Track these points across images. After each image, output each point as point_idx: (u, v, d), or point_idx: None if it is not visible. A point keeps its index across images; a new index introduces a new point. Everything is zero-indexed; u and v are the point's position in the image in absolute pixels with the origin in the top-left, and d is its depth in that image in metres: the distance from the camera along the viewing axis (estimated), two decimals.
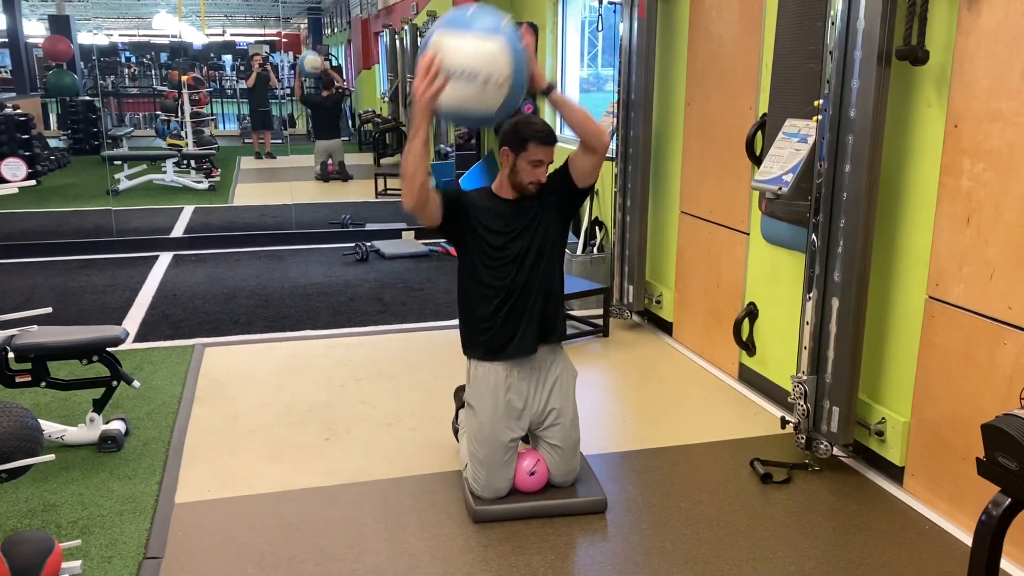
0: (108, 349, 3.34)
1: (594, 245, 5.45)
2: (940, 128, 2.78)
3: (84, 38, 11.60)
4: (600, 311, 4.83)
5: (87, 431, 3.31)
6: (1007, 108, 2.51)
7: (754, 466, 3.17)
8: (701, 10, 4.20)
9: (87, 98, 11.08)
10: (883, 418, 3.08)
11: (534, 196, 2.83)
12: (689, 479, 3.14)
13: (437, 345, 4.59)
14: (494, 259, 2.82)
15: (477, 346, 2.88)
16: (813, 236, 3.06)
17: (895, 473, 3.07)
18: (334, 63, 12.35)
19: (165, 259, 6.61)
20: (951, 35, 2.70)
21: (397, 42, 10.37)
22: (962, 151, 2.69)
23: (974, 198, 2.65)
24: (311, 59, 10.82)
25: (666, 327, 4.78)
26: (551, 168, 2.85)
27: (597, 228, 5.51)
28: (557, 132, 7.00)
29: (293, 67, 12.68)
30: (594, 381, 4.16)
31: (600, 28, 5.36)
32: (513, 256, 2.81)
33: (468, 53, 2.47)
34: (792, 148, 3.22)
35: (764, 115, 3.63)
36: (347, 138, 11.33)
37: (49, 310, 2.75)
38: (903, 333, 3.02)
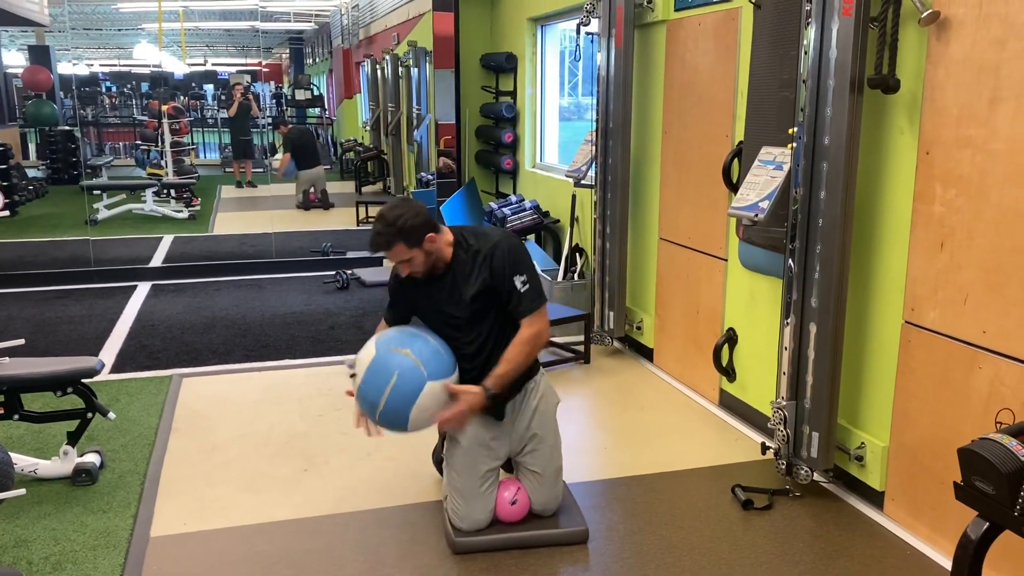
0: (83, 380, 3.30)
1: (575, 272, 5.47)
2: (912, 155, 2.82)
3: (64, 68, 11.56)
4: (581, 337, 4.83)
5: (61, 464, 3.26)
6: (977, 135, 2.55)
7: (735, 493, 3.16)
8: (677, 40, 4.26)
9: (66, 128, 11.03)
10: (862, 443, 3.09)
11: (451, 273, 2.79)
12: (671, 506, 3.12)
13: None
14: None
15: None
16: (790, 262, 3.08)
17: (875, 498, 3.08)
18: (316, 92, 12.40)
19: (143, 289, 6.56)
20: (921, 64, 2.75)
21: (378, 72, 10.43)
22: (934, 177, 2.72)
23: (947, 224, 2.69)
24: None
25: (647, 353, 4.78)
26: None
27: (578, 255, 5.53)
28: (537, 159, 7.02)
29: (276, 97, 12.71)
30: (575, 408, 4.15)
31: (578, 58, 5.42)
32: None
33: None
34: (768, 175, 3.26)
35: (740, 143, 3.67)
36: (328, 167, 11.33)
37: (22, 342, 2.72)
38: (880, 358, 3.04)
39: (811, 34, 2.91)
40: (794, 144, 3.03)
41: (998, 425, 2.02)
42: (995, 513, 1.88)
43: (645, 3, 4.42)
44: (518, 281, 2.73)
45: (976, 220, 2.58)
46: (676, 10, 4.25)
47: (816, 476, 3.16)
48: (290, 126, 10.63)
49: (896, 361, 2.94)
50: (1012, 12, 2.41)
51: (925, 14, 2.63)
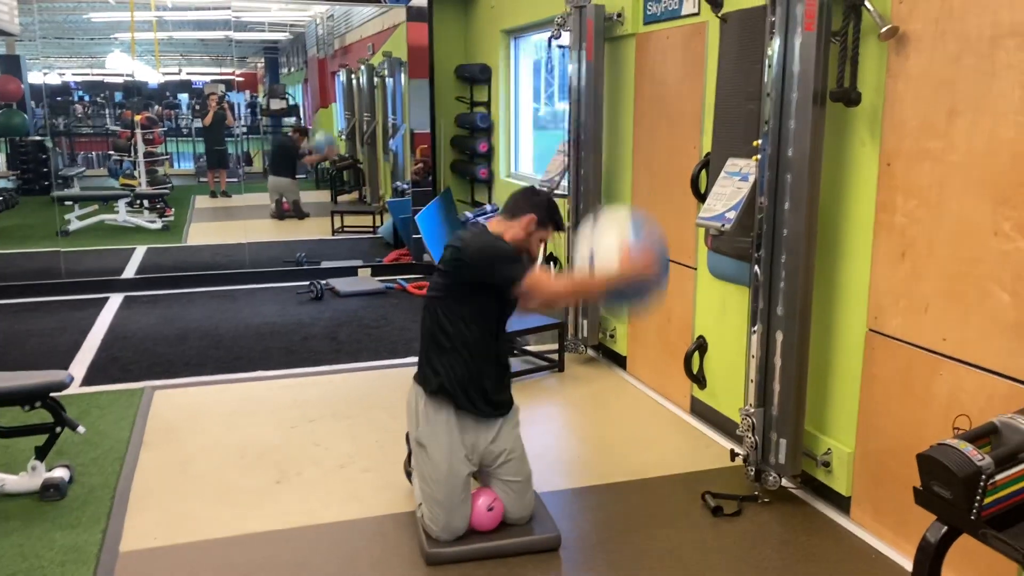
0: (51, 394, 3.28)
1: None
2: (874, 167, 2.88)
3: (35, 77, 11.45)
4: (555, 346, 4.86)
5: (29, 479, 3.23)
6: (935, 147, 2.61)
7: (705, 499, 3.20)
8: (646, 53, 4.31)
9: (37, 138, 10.92)
10: (829, 449, 3.14)
11: None
12: (642, 513, 3.15)
13: (393, 384, 4.57)
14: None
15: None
16: (756, 271, 3.13)
17: (842, 503, 3.13)
18: (291, 102, 12.37)
19: (116, 300, 6.51)
20: (882, 78, 2.81)
21: (354, 81, 10.43)
22: (895, 188, 2.78)
23: (908, 234, 2.74)
24: (332, 147, 10.90)
25: (620, 361, 4.82)
26: None
27: (551, 263, 5.56)
28: (512, 168, 7.04)
29: (251, 106, 12.66)
30: (549, 416, 4.17)
31: (550, 69, 5.47)
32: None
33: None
34: (734, 186, 3.31)
35: (708, 154, 3.72)
36: (304, 175, 11.30)
37: None
38: (846, 365, 3.09)
39: (775, 48, 2.97)
40: (759, 156, 3.09)
41: (956, 431, 2.06)
42: (953, 517, 1.92)
43: (615, 17, 4.47)
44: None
45: (936, 230, 2.64)
46: (645, 24, 4.31)
47: (784, 482, 3.20)
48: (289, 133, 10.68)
49: (861, 368, 3.00)
50: (968, 28, 2.47)
51: (884, 29, 2.69)
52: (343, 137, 11.43)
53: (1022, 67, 2.32)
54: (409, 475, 3.28)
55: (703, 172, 3.74)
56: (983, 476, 1.81)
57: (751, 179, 3.22)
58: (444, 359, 2.83)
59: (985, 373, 2.49)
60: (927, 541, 1.98)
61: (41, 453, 3.26)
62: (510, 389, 2.99)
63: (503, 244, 2.84)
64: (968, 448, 1.89)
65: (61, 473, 3.28)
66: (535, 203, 2.95)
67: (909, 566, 2.74)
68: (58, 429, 3.28)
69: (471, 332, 2.82)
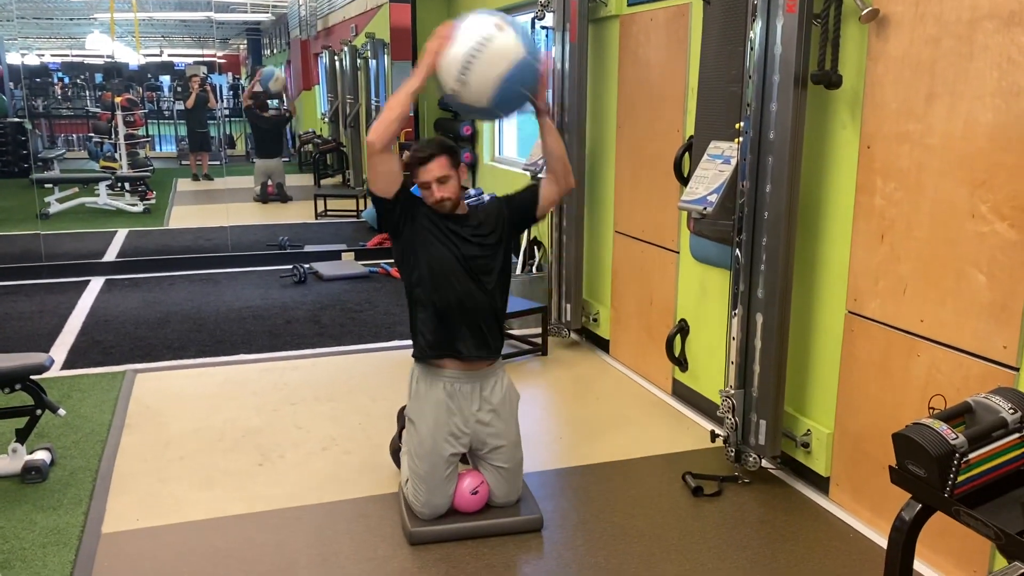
0: (32, 377, 3.26)
1: (532, 265, 5.51)
2: (854, 149, 2.89)
3: (13, 58, 11.30)
4: (539, 330, 4.88)
5: (10, 462, 3.22)
6: (914, 130, 2.63)
7: (686, 480, 3.23)
8: (630, 35, 4.31)
9: (16, 120, 10.78)
10: (808, 430, 3.18)
11: (477, 215, 2.91)
12: (623, 494, 3.18)
13: (376, 367, 4.57)
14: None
15: (419, 346, 2.90)
16: (737, 253, 3.14)
17: (821, 483, 3.16)
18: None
19: (97, 284, 6.46)
20: (862, 61, 2.82)
21: (336, 63, 10.35)
22: (875, 171, 2.80)
23: (887, 216, 2.76)
24: (278, 77, 10.76)
25: (603, 344, 4.84)
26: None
27: (535, 248, 5.57)
28: (496, 152, 7.01)
29: (233, 88, 12.54)
30: (532, 399, 4.19)
31: None
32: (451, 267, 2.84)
33: (486, 31, 2.60)
34: (716, 169, 3.32)
35: (691, 137, 3.73)
36: (287, 159, 11.23)
37: None
38: (825, 347, 3.12)
39: (757, 30, 2.97)
40: (741, 139, 3.09)
41: (931, 410, 2.09)
42: (927, 495, 1.95)
43: None
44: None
45: (914, 213, 2.66)
46: (629, 5, 4.30)
47: (764, 463, 3.23)
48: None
49: (840, 350, 3.02)
50: (946, 11, 2.49)
51: (865, 12, 2.70)
52: (326, 120, 11.35)
53: (999, 49, 2.33)
54: (395, 455, 3.29)
55: (686, 155, 3.75)
56: (957, 455, 1.84)
57: (733, 162, 3.23)
58: (418, 316, 2.87)
59: (961, 354, 2.52)
60: (902, 519, 2.01)
61: (22, 435, 3.24)
62: (495, 336, 2.92)
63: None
64: (943, 427, 1.91)
65: (42, 455, 3.27)
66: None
67: (886, 545, 2.78)
68: (39, 411, 3.27)
69: (422, 282, 2.83)
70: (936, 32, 2.52)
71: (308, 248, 7.56)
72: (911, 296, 2.69)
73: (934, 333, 2.61)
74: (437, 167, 2.77)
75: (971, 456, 1.86)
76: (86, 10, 11.93)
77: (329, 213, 9.14)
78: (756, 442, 3.19)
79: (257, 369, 4.54)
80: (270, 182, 10.03)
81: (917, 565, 2.46)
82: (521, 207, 2.99)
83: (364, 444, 3.58)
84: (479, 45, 2.58)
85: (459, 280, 2.81)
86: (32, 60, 12.40)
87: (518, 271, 5.44)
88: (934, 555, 2.64)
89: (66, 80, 13.30)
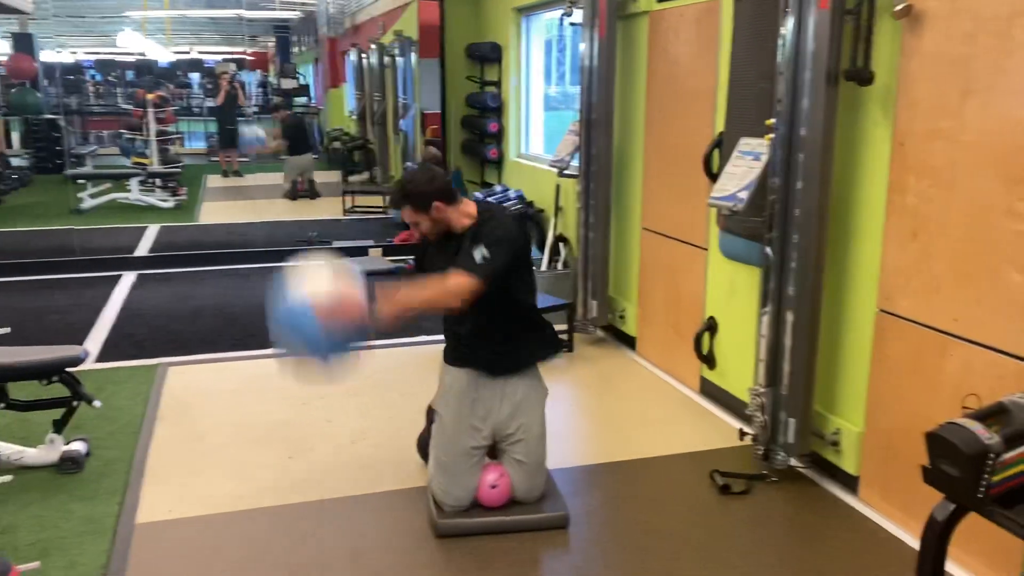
0: (68, 369, 3.32)
1: (558, 261, 5.51)
2: (887, 146, 2.87)
3: (48, 56, 11.47)
4: (565, 326, 4.87)
5: (47, 452, 3.28)
6: (948, 127, 2.60)
7: (713, 478, 3.22)
8: (659, 31, 4.29)
9: (50, 116, 10.96)
10: (838, 429, 3.15)
11: (464, 235, 2.83)
12: (650, 492, 3.18)
13: (404, 362, 4.60)
14: None
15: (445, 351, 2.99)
16: (768, 251, 3.13)
17: (850, 482, 3.14)
18: (302, 81, 12.36)
19: (129, 278, 6.55)
20: (895, 57, 2.80)
21: (364, 61, 10.41)
22: (908, 168, 2.77)
23: (920, 214, 2.74)
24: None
25: (629, 342, 4.84)
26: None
27: (561, 244, 5.57)
28: (522, 148, 7.03)
29: (262, 86, 12.66)
30: (559, 396, 4.19)
31: (562, 48, 5.45)
32: None
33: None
34: (746, 166, 3.30)
35: (720, 133, 3.71)
36: (316, 155, 11.32)
37: (7, 330, 2.74)
38: (856, 345, 3.10)
39: (788, 26, 2.95)
40: (772, 135, 3.08)
41: (965, 410, 2.07)
42: (960, 495, 1.93)
43: None
44: (480, 251, 2.71)
45: (948, 210, 2.63)
46: (659, 1, 4.28)
47: (793, 461, 3.22)
48: (287, 113, 10.59)
49: (870, 348, 3.00)
50: (982, 7, 2.46)
51: (899, 7, 2.67)
52: (354, 117, 11.42)
53: None
54: (422, 451, 3.31)
55: (715, 152, 3.73)
56: (991, 455, 1.82)
57: (763, 158, 3.22)
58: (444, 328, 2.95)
59: (996, 353, 2.49)
60: (934, 519, 2.00)
61: (59, 426, 3.31)
62: (512, 357, 2.95)
63: None
64: (977, 427, 1.90)
65: (78, 446, 3.33)
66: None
67: (917, 545, 2.75)
68: (75, 403, 3.33)
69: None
70: (972, 28, 2.49)
71: (336, 244, 7.61)
72: (944, 294, 2.66)
73: (968, 332, 2.58)
74: (405, 215, 2.87)
75: (1006, 456, 1.85)
76: (118, 8, 12.07)
77: (357, 209, 9.20)
78: (785, 440, 3.17)
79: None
80: (300, 178, 10.12)
81: (949, 566, 2.44)
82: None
83: (392, 438, 3.60)
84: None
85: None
86: (66, 58, 12.59)
87: (544, 267, 5.45)
88: (966, 556, 2.61)
89: (98, 78, 13.49)
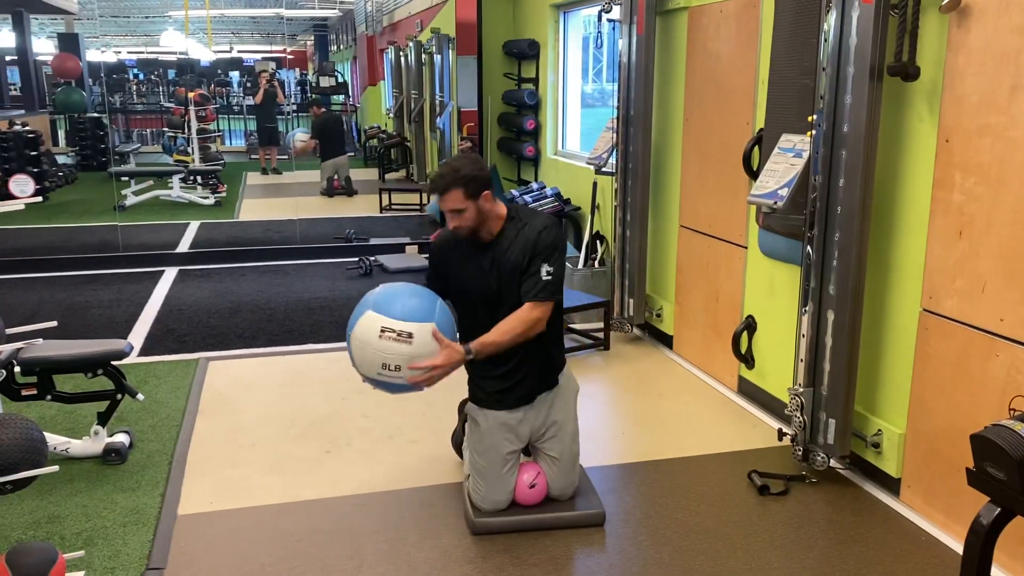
0: (112, 362, 3.39)
1: (595, 259, 5.49)
2: (932, 143, 2.81)
3: (92, 55, 11.71)
4: (601, 324, 4.86)
5: (91, 443, 3.35)
6: (996, 123, 2.55)
7: (752, 478, 3.19)
8: (699, 27, 4.26)
9: (95, 115, 11.18)
10: (879, 430, 3.10)
11: (497, 242, 2.80)
12: (687, 491, 3.16)
13: None
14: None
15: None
16: (808, 249, 3.09)
17: (891, 484, 3.09)
18: (340, 79, 12.47)
19: (171, 274, 6.67)
20: (942, 52, 2.74)
21: (402, 59, 10.46)
22: (954, 165, 2.72)
23: (966, 212, 2.68)
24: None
25: (667, 340, 4.81)
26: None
27: (598, 242, 5.55)
28: (559, 146, 7.02)
29: (301, 84, 12.79)
30: (594, 394, 4.18)
31: (600, 44, 5.43)
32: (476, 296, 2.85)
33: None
34: (787, 163, 3.26)
35: (761, 130, 3.67)
36: (352, 153, 11.41)
37: (54, 324, 2.78)
38: (898, 345, 3.04)
39: (831, 21, 2.91)
40: (813, 132, 3.04)
41: (1012, 412, 2.03)
42: (1007, 498, 1.90)
43: None
44: (544, 268, 2.73)
45: (995, 208, 2.57)
46: None
47: (832, 462, 3.18)
48: (323, 109, 10.67)
49: (913, 349, 2.95)
50: None
51: (946, 1, 2.62)
52: (391, 115, 11.49)
53: None
54: (457, 447, 3.33)
55: (756, 148, 3.69)
56: None
57: (805, 155, 3.17)
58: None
59: None
60: (979, 522, 1.96)
61: (103, 419, 3.37)
62: (535, 377, 2.91)
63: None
64: None
65: (122, 438, 3.40)
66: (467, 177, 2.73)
67: (960, 549, 2.70)
68: (119, 396, 3.40)
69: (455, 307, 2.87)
70: (1021, 21, 2.43)
71: (373, 241, 7.68)
72: (991, 294, 2.61)
73: (1015, 333, 2.53)
74: (451, 199, 2.70)
75: None
76: (161, 8, 12.28)
77: (393, 207, 9.26)
78: (825, 441, 3.13)
79: (325, 359, 4.64)
80: (336, 176, 10.21)
81: (994, 571, 2.39)
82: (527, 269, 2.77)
83: (428, 434, 3.62)
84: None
85: (478, 313, 2.83)
86: (110, 57, 12.84)
87: (580, 265, 5.44)
88: (1012, 561, 2.56)
89: (141, 76, 13.73)
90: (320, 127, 10.37)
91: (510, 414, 2.87)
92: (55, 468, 2.28)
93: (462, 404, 3.30)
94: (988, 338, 2.62)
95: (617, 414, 4.02)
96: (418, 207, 9.16)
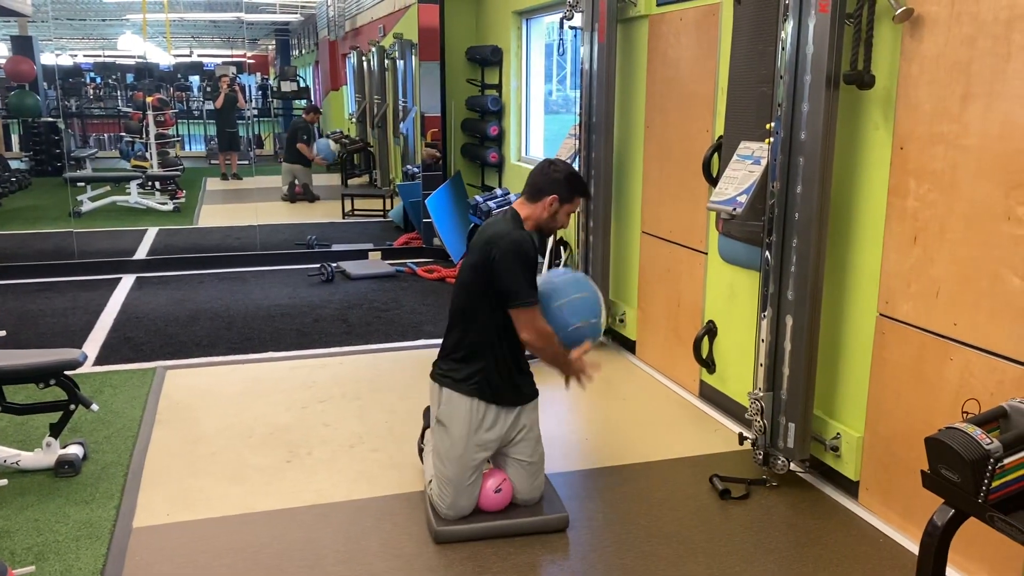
0: (66, 372, 3.31)
1: (558, 265, 5.50)
2: (887, 150, 2.86)
3: (47, 58, 11.47)
4: None
5: (43, 456, 3.27)
6: (949, 131, 2.60)
7: (713, 482, 3.21)
8: (659, 35, 4.29)
9: (50, 119, 10.96)
10: (838, 433, 3.14)
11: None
12: (649, 496, 3.17)
13: (403, 366, 4.59)
14: None
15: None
16: (767, 255, 3.12)
17: (850, 487, 3.13)
18: (302, 84, 12.37)
19: (128, 281, 6.55)
20: (895, 61, 2.79)
21: (364, 64, 10.41)
22: (908, 172, 2.77)
23: (920, 218, 2.73)
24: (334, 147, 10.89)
25: (629, 345, 4.83)
26: None
27: (562, 248, 5.56)
28: (523, 152, 7.02)
29: (262, 88, 12.66)
30: (557, 399, 4.18)
31: (562, 52, 5.45)
32: None
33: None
34: (746, 170, 3.30)
35: (720, 137, 3.71)
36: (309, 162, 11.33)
37: (3, 333, 2.73)
38: (856, 350, 3.09)
39: (788, 30, 2.95)
40: (771, 139, 3.07)
41: (965, 415, 2.06)
42: (960, 500, 1.93)
43: None
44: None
45: (948, 215, 2.62)
46: (658, 5, 4.28)
47: (792, 466, 3.21)
48: (319, 115, 10.61)
49: (871, 353, 2.99)
50: (982, 11, 2.45)
51: (899, 11, 2.67)
52: (354, 120, 11.42)
53: None
54: (421, 452, 3.30)
55: (715, 155, 3.73)
56: (991, 460, 1.82)
57: (763, 162, 3.21)
58: (474, 354, 2.86)
59: (995, 358, 2.48)
60: (934, 524, 1.99)
61: (56, 430, 3.29)
62: (532, 377, 3.01)
63: (529, 255, 2.84)
64: (977, 432, 1.89)
65: (75, 450, 3.32)
66: (554, 180, 2.95)
67: (916, 550, 2.74)
68: (72, 407, 3.32)
69: (502, 333, 2.85)
70: (972, 32, 2.49)
71: (336, 247, 7.61)
72: (944, 299, 2.66)
73: (968, 337, 2.58)
74: (577, 204, 3.06)
75: (1006, 461, 1.84)
76: (118, 11, 12.08)
77: (356, 212, 9.20)
78: (785, 445, 3.16)
79: (285, 367, 4.58)
80: (297, 182, 10.11)
81: (949, 572, 2.43)
82: (488, 280, 2.84)
83: (390, 442, 3.59)
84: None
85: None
86: (65, 60, 12.60)
87: (544, 271, 5.44)
88: (966, 561, 2.60)
89: (98, 80, 13.49)
90: (289, 132, 10.30)
91: (482, 427, 2.86)
92: (4, 481, 2.23)
93: (427, 409, 3.27)
94: (942, 342, 2.67)
95: (580, 419, 4.02)
96: (381, 212, 9.11)
